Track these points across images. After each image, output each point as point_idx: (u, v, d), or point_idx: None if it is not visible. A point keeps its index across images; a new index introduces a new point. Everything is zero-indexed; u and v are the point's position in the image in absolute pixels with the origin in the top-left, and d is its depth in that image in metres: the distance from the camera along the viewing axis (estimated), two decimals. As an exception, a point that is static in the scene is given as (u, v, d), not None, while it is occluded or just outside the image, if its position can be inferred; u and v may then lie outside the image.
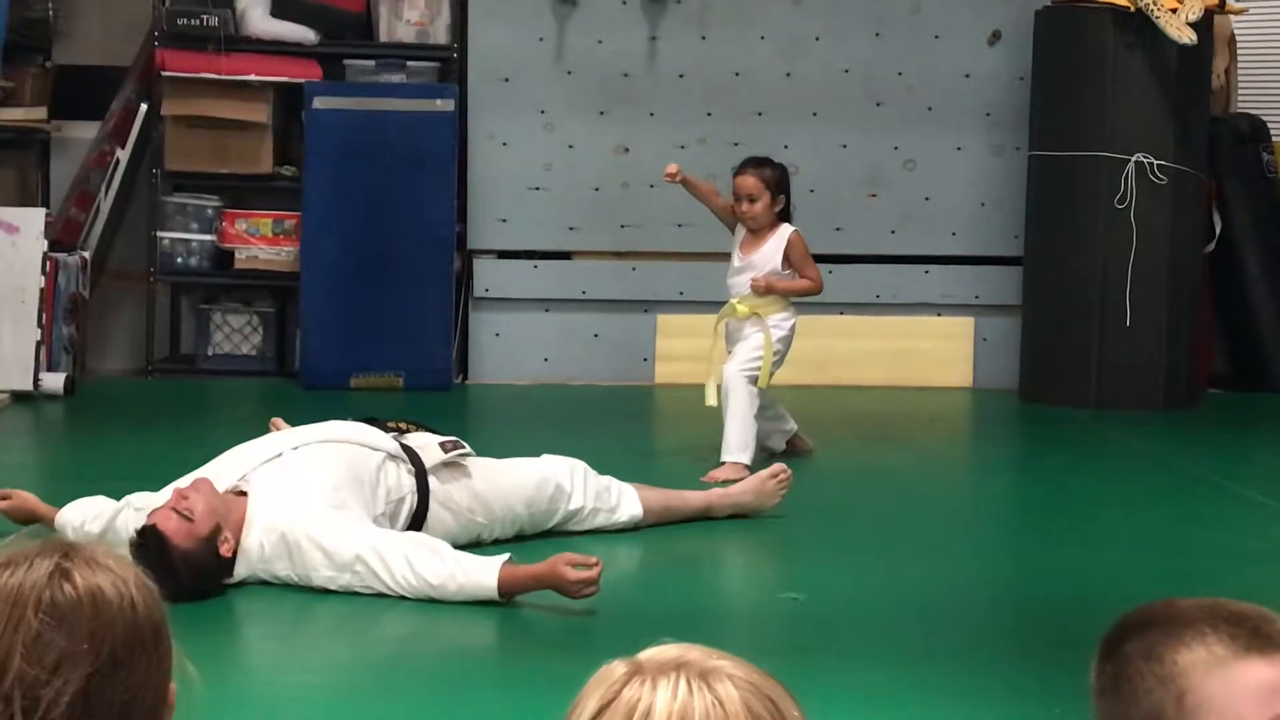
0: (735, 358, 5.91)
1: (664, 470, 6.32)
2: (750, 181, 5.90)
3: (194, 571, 4.09)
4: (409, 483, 4.61)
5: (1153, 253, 7.45)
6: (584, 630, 4.08)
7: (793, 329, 5.98)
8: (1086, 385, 7.54)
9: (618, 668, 1.38)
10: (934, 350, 8.05)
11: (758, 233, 5.96)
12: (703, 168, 7.92)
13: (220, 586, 4.24)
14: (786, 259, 5.91)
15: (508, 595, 4.15)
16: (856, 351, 7.71)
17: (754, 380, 5.84)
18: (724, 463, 5.79)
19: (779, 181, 5.92)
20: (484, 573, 4.14)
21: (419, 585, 4.16)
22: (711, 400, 5.93)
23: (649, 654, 1.38)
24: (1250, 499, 5.80)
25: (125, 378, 7.93)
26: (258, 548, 4.26)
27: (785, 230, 5.94)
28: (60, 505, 4.61)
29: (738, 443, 5.80)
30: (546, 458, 5.00)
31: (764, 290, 5.86)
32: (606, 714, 1.35)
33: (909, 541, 5.16)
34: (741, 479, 5.45)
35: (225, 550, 4.21)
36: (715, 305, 7.79)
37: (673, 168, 6.02)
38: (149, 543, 4.06)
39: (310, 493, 4.33)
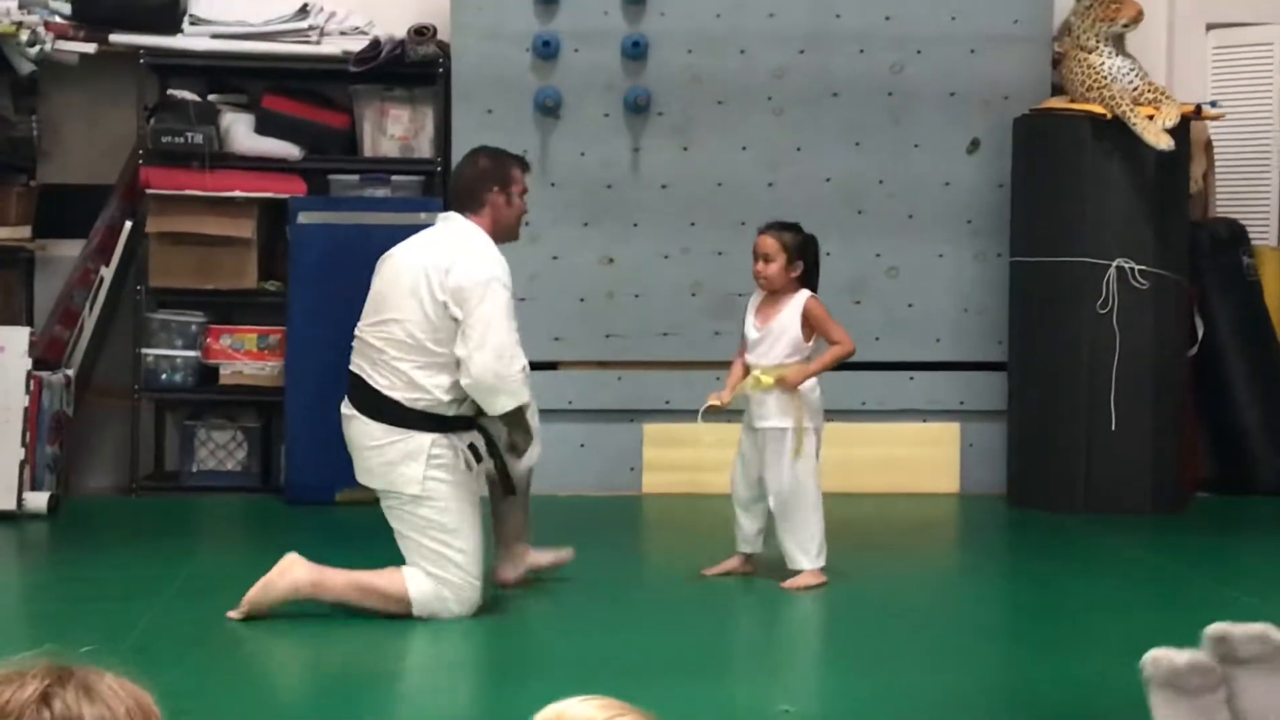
0: (774, 471, 5.82)
1: (655, 580, 6.30)
2: (768, 241, 5.87)
3: None
4: None
5: (1136, 357, 7.48)
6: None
7: (819, 397, 5.91)
8: (1074, 490, 7.54)
9: None
10: (920, 457, 8.05)
11: (774, 299, 5.88)
12: (687, 276, 7.98)
13: None
14: (806, 326, 5.83)
15: None
16: (843, 459, 7.69)
17: (809, 482, 5.80)
18: (802, 571, 5.83)
19: (798, 246, 5.85)
20: None
21: None
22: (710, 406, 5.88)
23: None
24: (1242, 603, 5.77)
25: (109, 496, 7.90)
26: None
27: (802, 296, 5.85)
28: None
29: (810, 550, 5.83)
30: None
31: (793, 387, 5.75)
32: None
33: (900, 650, 5.12)
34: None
35: None
36: (701, 414, 7.82)
37: (715, 400, 5.87)
38: None
39: None
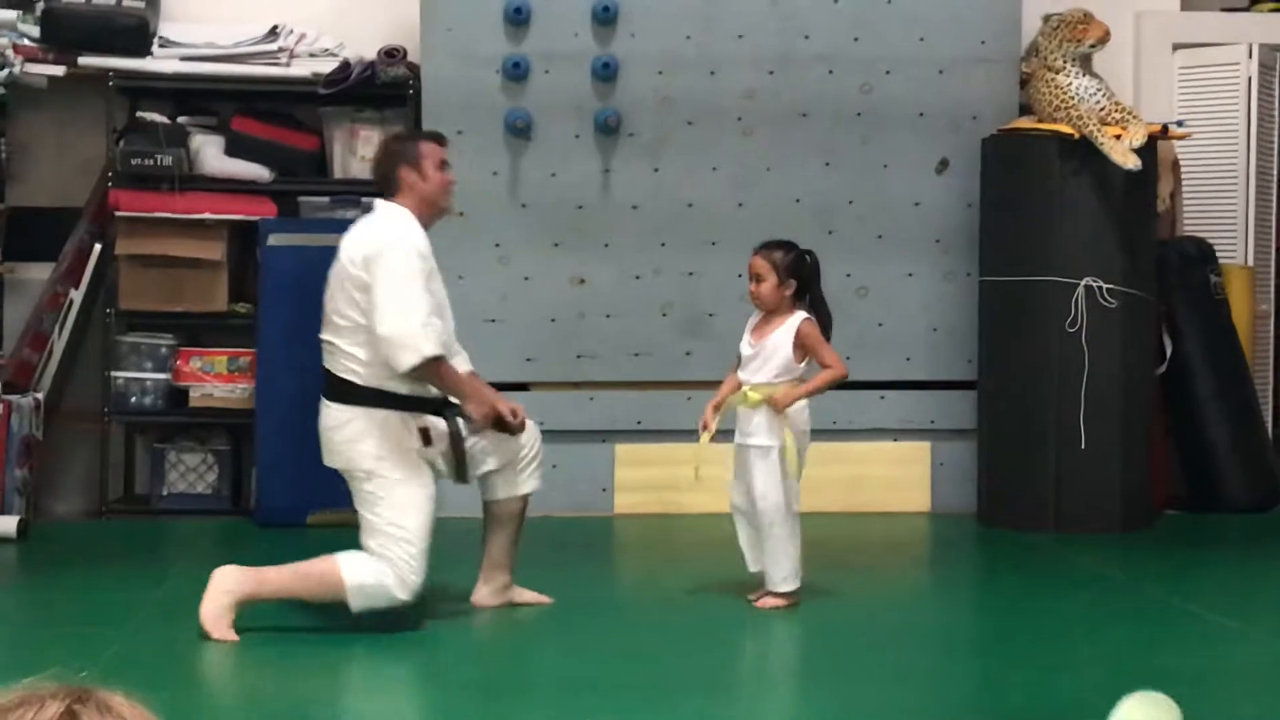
0: (756, 488, 5.81)
1: (631, 601, 6.30)
2: (758, 262, 5.88)
3: None
4: None
5: (1105, 375, 7.51)
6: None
7: (808, 418, 5.92)
8: (1044, 508, 7.57)
9: None
10: (891, 476, 8.07)
11: (771, 318, 5.87)
12: (658, 297, 7.99)
13: None
14: (799, 348, 5.82)
15: None
16: (814, 478, 7.65)
17: (789, 504, 5.80)
18: (773, 592, 5.86)
19: (790, 265, 5.83)
20: None
21: None
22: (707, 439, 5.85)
23: None
24: (1211, 620, 5.80)
25: (79, 519, 7.87)
26: None
27: (797, 317, 5.83)
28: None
29: (784, 572, 5.84)
30: None
31: (782, 408, 5.75)
32: None
33: (870, 668, 5.13)
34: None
35: None
36: (673, 434, 7.84)
37: (706, 424, 5.84)
38: None
39: None
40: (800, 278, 5.87)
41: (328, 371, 5.55)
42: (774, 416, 5.78)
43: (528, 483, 5.85)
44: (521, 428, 5.73)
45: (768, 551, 5.85)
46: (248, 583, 5.37)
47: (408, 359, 5.34)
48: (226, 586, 5.35)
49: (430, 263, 5.50)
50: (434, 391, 5.52)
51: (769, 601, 5.84)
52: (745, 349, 5.89)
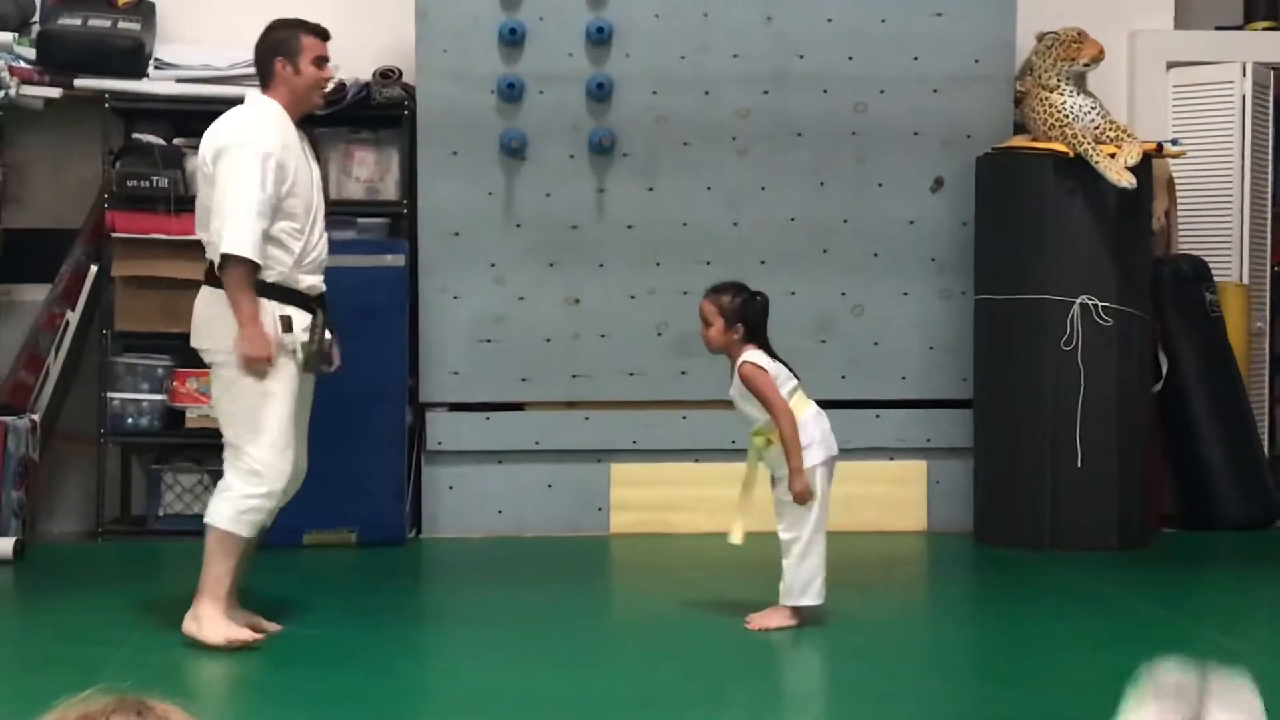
0: (783, 518, 5.83)
1: (624, 620, 6.30)
2: (705, 305, 5.88)
3: None
4: None
5: (1101, 393, 7.52)
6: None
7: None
8: (1041, 527, 7.57)
9: None
10: (888, 495, 8.07)
11: (732, 362, 5.86)
12: (652, 317, 8.00)
13: None
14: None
15: None
16: (810, 497, 7.71)
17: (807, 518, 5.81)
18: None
19: (735, 309, 5.80)
20: None
21: None
22: (736, 539, 5.86)
23: None
24: (1208, 638, 5.80)
25: (76, 540, 7.86)
26: None
27: (740, 360, 5.81)
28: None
29: (787, 587, 5.84)
30: None
31: (805, 500, 5.76)
32: None
33: (866, 687, 5.12)
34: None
35: None
36: (668, 454, 7.85)
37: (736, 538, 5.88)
38: None
39: None
40: (748, 320, 5.84)
41: (210, 262, 5.59)
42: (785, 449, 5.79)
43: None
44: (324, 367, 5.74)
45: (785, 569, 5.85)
46: (203, 596, 5.53)
47: (216, 252, 5.42)
48: (198, 614, 5.51)
49: (285, 163, 5.51)
50: (304, 285, 5.59)
51: (759, 620, 5.84)
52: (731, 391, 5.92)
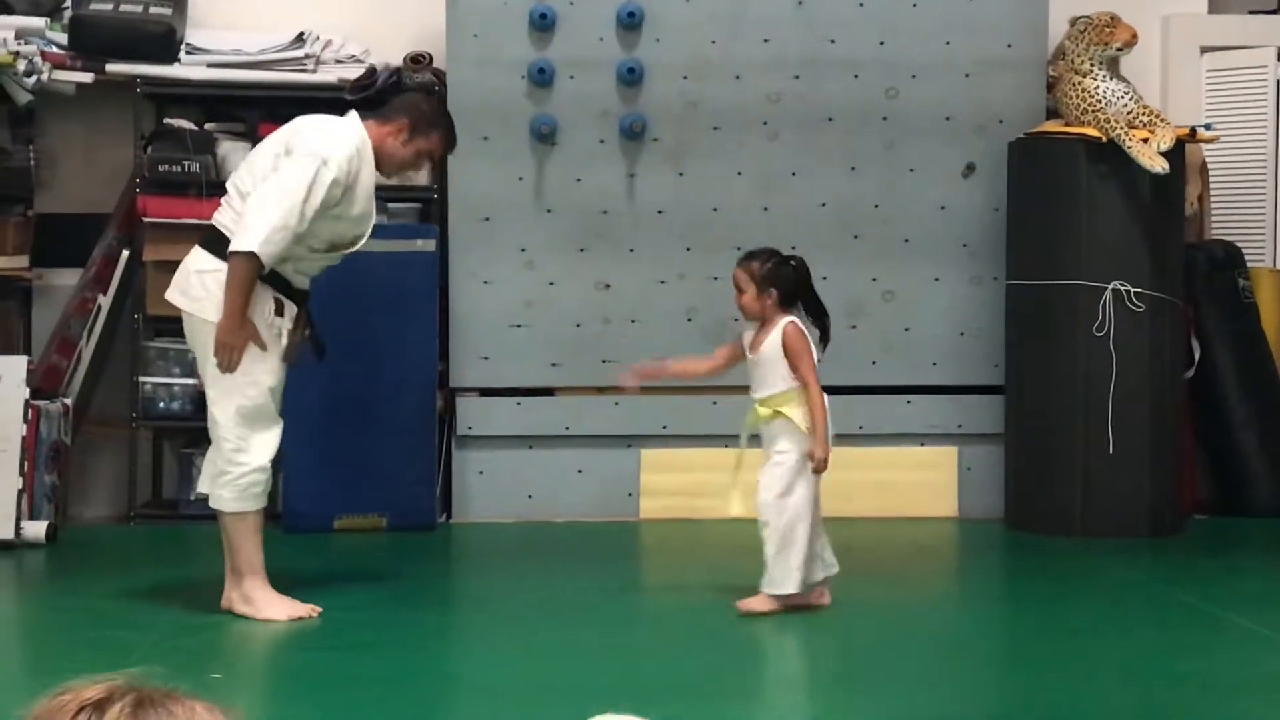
0: (763, 482, 5.81)
1: (653, 605, 6.30)
2: (738, 273, 5.92)
3: None
4: None
5: (1133, 380, 7.49)
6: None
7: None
8: (1071, 514, 7.55)
9: None
10: (918, 481, 8.05)
11: (763, 327, 5.88)
12: (683, 301, 7.99)
13: None
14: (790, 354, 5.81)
15: None
16: (841, 483, 7.67)
17: (790, 501, 5.77)
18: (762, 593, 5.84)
19: (768, 274, 5.82)
20: None
21: None
22: (735, 510, 5.90)
23: None
24: (1240, 625, 5.78)
25: (108, 524, 7.90)
26: None
27: (783, 322, 5.83)
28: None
29: (771, 574, 5.81)
30: None
31: (822, 469, 5.77)
32: None
33: (897, 674, 5.12)
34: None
35: None
36: (698, 439, 7.84)
37: (628, 381, 6.29)
38: None
39: None
40: (782, 286, 5.85)
41: (211, 225, 5.67)
42: (788, 428, 5.78)
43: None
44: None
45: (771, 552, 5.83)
46: (245, 577, 5.68)
47: (236, 243, 5.46)
48: (243, 593, 5.65)
49: (341, 189, 5.58)
50: (296, 283, 5.69)
51: (748, 604, 5.82)
52: (749, 357, 5.90)
